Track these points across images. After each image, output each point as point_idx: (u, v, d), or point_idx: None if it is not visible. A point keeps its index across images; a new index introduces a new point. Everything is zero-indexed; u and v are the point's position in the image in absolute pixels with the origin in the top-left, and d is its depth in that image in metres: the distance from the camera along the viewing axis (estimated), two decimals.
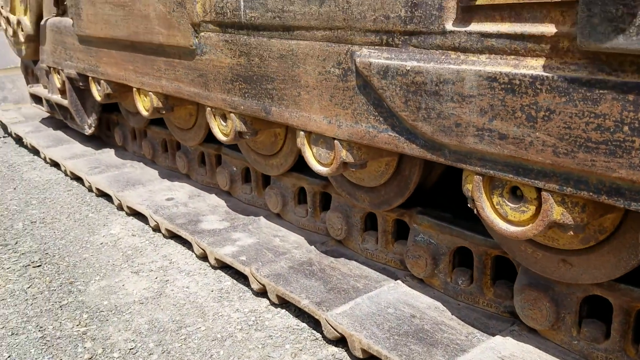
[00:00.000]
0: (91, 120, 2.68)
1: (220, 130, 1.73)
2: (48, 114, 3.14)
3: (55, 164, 2.73)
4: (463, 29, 0.97)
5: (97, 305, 1.52)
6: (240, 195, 2.01)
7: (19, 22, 2.97)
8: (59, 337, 1.38)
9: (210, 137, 2.08)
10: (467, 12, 0.96)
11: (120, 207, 2.16)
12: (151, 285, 1.61)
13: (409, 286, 1.35)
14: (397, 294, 1.32)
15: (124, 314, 1.47)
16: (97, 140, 2.89)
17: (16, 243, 1.92)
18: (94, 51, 2.30)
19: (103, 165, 2.51)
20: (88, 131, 2.69)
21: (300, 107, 1.38)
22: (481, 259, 1.26)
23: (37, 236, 1.97)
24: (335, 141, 1.31)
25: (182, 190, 2.16)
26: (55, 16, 2.70)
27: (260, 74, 1.47)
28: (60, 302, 1.54)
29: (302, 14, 1.28)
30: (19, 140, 3.21)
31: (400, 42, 1.08)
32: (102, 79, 2.30)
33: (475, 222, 1.28)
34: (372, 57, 1.13)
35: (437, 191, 1.48)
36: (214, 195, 2.08)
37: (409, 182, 1.36)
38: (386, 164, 1.40)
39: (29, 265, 1.76)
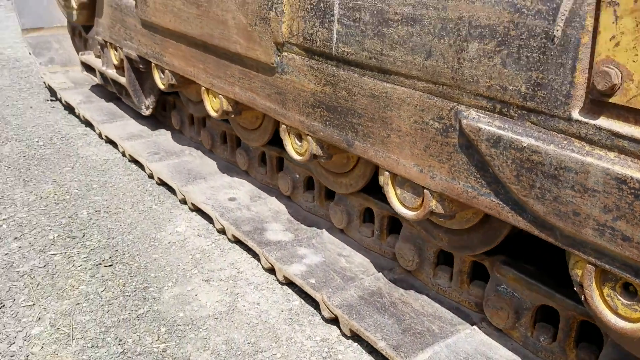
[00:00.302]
0: (149, 101, 2.68)
1: (294, 148, 1.72)
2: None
3: (111, 141, 2.75)
4: (591, 122, 0.94)
5: (173, 317, 1.57)
6: (301, 202, 2.02)
7: None
8: (139, 354, 1.43)
9: (273, 139, 2.08)
10: (597, 106, 0.93)
11: (183, 202, 2.19)
12: (223, 298, 1.65)
13: (487, 334, 1.37)
14: (475, 343, 1.34)
15: (201, 330, 1.52)
16: (152, 118, 2.89)
17: (84, 236, 1.97)
18: (158, 39, 2.27)
19: (162, 151, 2.52)
20: (145, 112, 2.69)
21: (388, 148, 1.36)
22: (568, 322, 1.26)
23: (104, 229, 2.01)
24: (426, 190, 1.30)
25: (242, 189, 2.18)
26: None
27: (346, 107, 1.45)
28: (136, 310, 1.59)
29: (403, 62, 1.24)
30: (68, 107, 3.22)
31: (516, 115, 1.05)
32: (166, 69, 2.29)
33: (560, 280, 1.28)
34: (482, 122, 1.11)
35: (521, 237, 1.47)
36: (274, 198, 2.10)
37: (498, 234, 1.35)
38: (474, 212, 1.39)
39: (100, 264, 1.81)
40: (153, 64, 2.39)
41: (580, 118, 0.95)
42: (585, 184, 0.95)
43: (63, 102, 3.21)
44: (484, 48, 1.07)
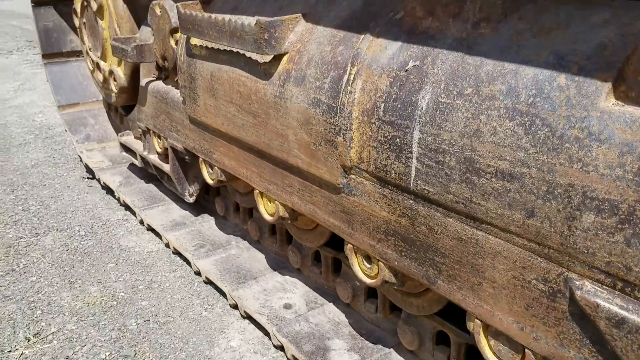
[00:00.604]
0: (193, 189, 2.62)
1: (361, 269, 1.63)
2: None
3: (153, 229, 2.69)
4: None
5: None
6: (362, 311, 1.92)
7: (111, 72, 2.90)
8: None
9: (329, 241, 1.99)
10: None
11: (234, 307, 2.10)
12: None
13: None
14: None
15: None
16: (195, 202, 2.83)
17: (135, 354, 1.88)
18: (208, 137, 2.21)
19: (208, 243, 2.45)
20: (189, 200, 2.63)
21: (480, 297, 1.26)
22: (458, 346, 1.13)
23: (155, 344, 1.93)
24: (527, 350, 1.19)
25: (297, 292, 2.08)
26: (157, 79, 2.62)
27: (426, 243, 1.35)
28: None
29: (498, 215, 1.15)
30: (106, 186, 3.18)
31: None
32: (216, 166, 2.22)
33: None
34: (600, 297, 1.00)
35: None
36: (332, 304, 2.00)
37: None
38: None
39: None
40: (201, 159, 2.33)
41: None
42: None
43: (101, 182, 3.17)
44: (602, 222, 0.97)
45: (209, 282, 2.25)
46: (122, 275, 2.35)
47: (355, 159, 1.48)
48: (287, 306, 2.01)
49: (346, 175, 1.53)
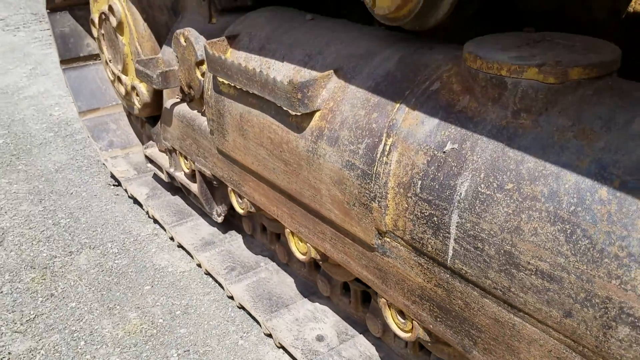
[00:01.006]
0: (221, 210, 2.67)
1: (395, 323, 1.69)
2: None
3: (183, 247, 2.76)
4: None
5: None
6: (393, 346, 2.00)
7: (133, 88, 2.92)
8: None
9: None
10: None
11: (268, 335, 2.19)
12: None
13: None
14: None
15: None
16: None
17: None
18: (237, 170, 2.25)
19: (238, 265, 2.52)
20: (218, 219, 2.69)
21: None
22: None
23: None
24: None
25: (328, 322, 2.17)
26: (181, 101, 2.63)
27: (462, 315, 1.41)
28: None
29: (536, 308, 1.20)
30: (132, 196, 3.24)
31: None
32: (245, 198, 2.27)
33: None
34: None
35: None
36: (362, 336, 2.08)
37: None
38: None
39: None
40: (230, 189, 2.37)
41: None
42: None
43: (128, 193, 3.23)
44: (637, 336, 1.02)
45: (242, 307, 2.34)
46: (159, 299, 2.44)
47: (390, 225, 1.52)
48: (320, 338, 2.09)
49: (380, 238, 1.58)
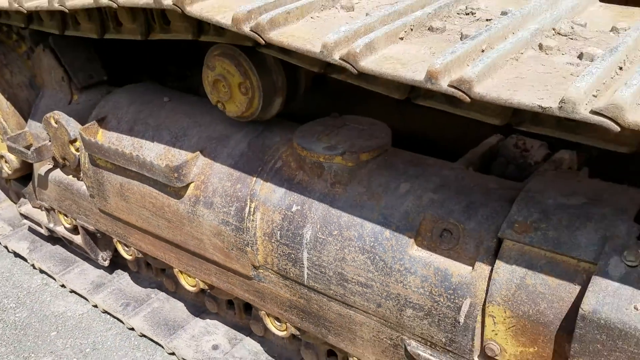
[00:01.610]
0: (106, 255, 3.06)
1: (274, 326, 2.33)
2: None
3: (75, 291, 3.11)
4: None
5: None
6: (273, 340, 2.65)
7: (1, 156, 3.13)
8: None
9: None
10: None
11: (172, 353, 2.70)
12: None
13: None
14: None
15: None
16: None
17: None
18: (121, 225, 2.68)
19: (132, 300, 2.96)
20: (104, 263, 3.07)
21: (355, 344, 2.03)
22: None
23: None
24: None
25: (219, 333, 2.74)
26: (54, 167, 2.93)
27: (319, 314, 2.09)
28: None
29: (361, 304, 1.90)
30: (13, 251, 3.45)
31: (441, 351, 1.78)
32: (132, 247, 2.72)
33: None
34: (420, 350, 1.82)
35: None
36: (249, 338, 2.69)
37: None
38: None
39: None
40: (116, 240, 2.79)
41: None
42: None
43: (9, 250, 3.43)
44: (417, 314, 1.77)
45: (143, 335, 2.81)
46: (67, 341, 2.81)
47: (262, 261, 2.14)
48: (215, 347, 2.67)
49: (255, 270, 2.19)
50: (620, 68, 1.17)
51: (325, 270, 1.93)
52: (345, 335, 2.03)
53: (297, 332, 2.25)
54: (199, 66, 2.15)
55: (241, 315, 2.73)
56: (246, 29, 1.54)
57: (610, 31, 1.40)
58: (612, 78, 1.13)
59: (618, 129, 1.01)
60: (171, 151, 2.32)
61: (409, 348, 1.84)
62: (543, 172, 1.74)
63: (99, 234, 2.91)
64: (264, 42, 1.54)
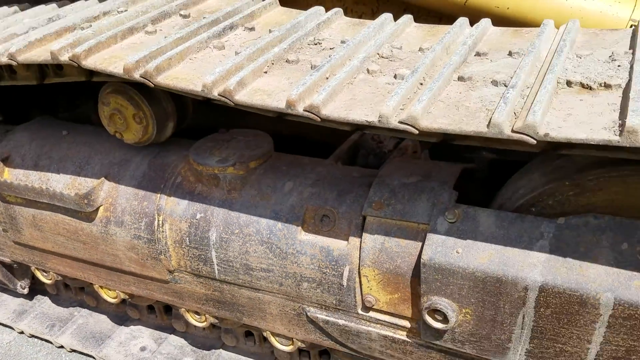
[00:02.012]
0: (25, 283, 3.19)
1: (194, 319, 2.65)
2: None
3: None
4: (366, 314, 2.13)
5: None
6: (195, 333, 2.96)
7: None
8: None
9: None
10: (367, 311, 2.13)
11: None
12: None
13: None
14: None
15: None
16: None
17: None
18: (38, 253, 2.85)
19: (56, 321, 3.13)
20: (23, 291, 3.21)
21: (266, 321, 2.41)
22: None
23: None
24: (294, 340, 2.41)
25: (145, 335, 3.01)
26: None
27: (232, 302, 2.44)
28: None
29: (266, 286, 2.28)
30: None
31: (333, 309, 2.21)
32: (51, 272, 2.90)
33: None
34: (318, 313, 2.23)
35: None
36: (172, 335, 2.99)
37: None
38: None
39: None
40: (34, 267, 2.95)
41: (362, 312, 2.14)
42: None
43: None
44: (311, 285, 2.18)
45: (74, 350, 3.01)
46: None
47: (175, 265, 2.45)
48: (143, 349, 2.94)
49: (171, 274, 2.50)
50: (421, 84, 1.63)
51: (233, 264, 2.29)
52: (257, 315, 2.41)
53: (216, 321, 2.60)
54: (87, 95, 2.39)
55: (162, 316, 3.02)
56: (136, 76, 1.85)
57: (419, 51, 1.87)
58: (414, 93, 1.59)
59: (417, 132, 1.47)
60: (77, 180, 2.55)
61: (309, 314, 2.25)
62: (392, 159, 2.21)
63: (15, 265, 3.04)
64: (153, 85, 1.86)
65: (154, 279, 2.57)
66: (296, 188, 2.20)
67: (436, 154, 2.46)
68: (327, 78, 1.72)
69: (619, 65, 1.55)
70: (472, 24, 1.99)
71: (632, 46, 1.66)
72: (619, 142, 1.27)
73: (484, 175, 2.18)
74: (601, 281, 1.56)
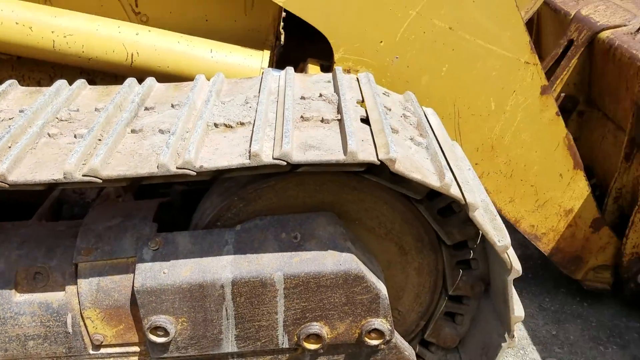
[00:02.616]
0: None
1: None
2: None
3: None
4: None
5: None
6: None
7: None
8: None
9: None
10: None
11: None
12: None
13: None
14: None
15: None
16: None
17: None
18: None
19: None
20: None
21: None
22: None
23: None
24: None
25: None
26: None
27: None
28: None
29: None
30: None
31: (66, 358, 2.30)
32: None
33: None
34: None
35: None
36: None
37: None
38: None
39: None
40: None
41: (93, 352, 2.31)
42: None
43: None
44: (37, 342, 2.25)
45: None
46: None
47: None
48: None
49: None
50: (100, 139, 1.92)
51: None
52: None
53: None
54: None
55: None
56: None
57: (95, 111, 2.14)
58: (94, 148, 1.86)
59: (100, 181, 1.75)
60: None
61: None
62: (95, 206, 2.43)
63: None
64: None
65: None
66: (2, 254, 2.25)
67: (139, 195, 2.75)
68: (9, 147, 1.88)
69: (250, 107, 2.08)
70: (140, 81, 2.35)
71: (260, 90, 2.22)
72: (249, 163, 1.76)
73: (179, 204, 2.55)
74: (272, 265, 2.07)
